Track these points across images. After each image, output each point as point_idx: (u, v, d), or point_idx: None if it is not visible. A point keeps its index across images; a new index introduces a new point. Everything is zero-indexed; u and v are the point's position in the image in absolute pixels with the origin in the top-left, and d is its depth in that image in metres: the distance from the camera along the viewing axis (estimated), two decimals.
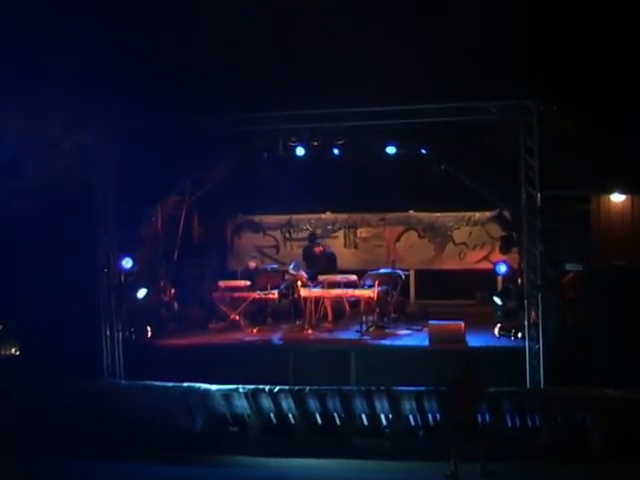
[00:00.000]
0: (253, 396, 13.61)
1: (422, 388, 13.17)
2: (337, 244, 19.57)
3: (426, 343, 14.87)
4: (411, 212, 19.62)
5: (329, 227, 20.11)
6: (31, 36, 13.61)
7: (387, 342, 15.40)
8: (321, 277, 16.42)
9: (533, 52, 13.37)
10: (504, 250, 16.02)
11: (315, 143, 15.80)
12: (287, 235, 20.36)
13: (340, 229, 20.09)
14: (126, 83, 13.87)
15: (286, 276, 17.57)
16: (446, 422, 12.67)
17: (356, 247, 20.03)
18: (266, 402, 13.66)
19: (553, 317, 13.94)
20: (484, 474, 11.96)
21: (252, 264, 17.83)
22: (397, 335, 15.90)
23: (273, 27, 14.20)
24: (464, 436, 11.94)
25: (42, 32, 13.60)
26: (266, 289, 16.82)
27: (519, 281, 14.91)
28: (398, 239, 19.76)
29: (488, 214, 18.36)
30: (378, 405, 13.35)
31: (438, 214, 19.42)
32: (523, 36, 13.38)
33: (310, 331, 16.10)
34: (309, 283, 16.61)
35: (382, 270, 17.01)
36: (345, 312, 16.91)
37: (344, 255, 19.20)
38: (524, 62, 13.38)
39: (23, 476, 12.67)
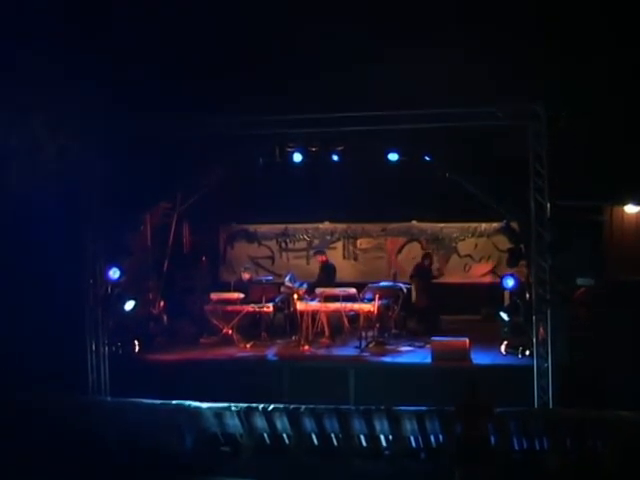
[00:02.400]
0: (246, 415, 13.52)
1: (424, 408, 13.08)
2: (336, 255, 19.57)
3: (429, 360, 14.82)
4: (414, 222, 19.65)
5: (327, 237, 20.15)
6: (14, 34, 13.54)
7: (387, 359, 15.36)
8: (318, 290, 16.37)
9: (543, 54, 13.31)
10: (511, 263, 15.97)
11: (313, 149, 15.83)
12: (283, 245, 20.40)
13: (339, 240, 20.14)
14: (115, 84, 13.81)
15: (282, 289, 17.51)
16: (449, 444, 12.57)
17: (356, 259, 20.06)
18: (260, 421, 13.56)
19: (563, 334, 13.86)
20: None
21: (246, 276, 17.81)
22: (398, 352, 15.85)
23: (270, 27, 14.15)
24: (468, 459, 11.83)
25: (26, 31, 13.54)
26: (260, 302, 16.73)
27: (527, 296, 14.84)
28: (400, 251, 19.79)
29: (495, 225, 18.40)
30: (378, 425, 13.25)
31: (442, 225, 19.44)
32: (532, 37, 13.33)
33: (306, 347, 16.03)
34: (306, 296, 16.54)
35: (383, 283, 17.00)
36: (343, 327, 16.82)
37: (343, 267, 19.20)
38: (533, 64, 13.32)
39: None
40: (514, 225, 15.80)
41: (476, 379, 12.38)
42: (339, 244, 20.09)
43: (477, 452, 11.76)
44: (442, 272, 19.05)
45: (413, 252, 19.63)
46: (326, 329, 16.68)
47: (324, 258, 17.94)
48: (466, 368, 14.20)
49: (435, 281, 18.12)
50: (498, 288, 17.15)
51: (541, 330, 13.64)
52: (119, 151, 14.51)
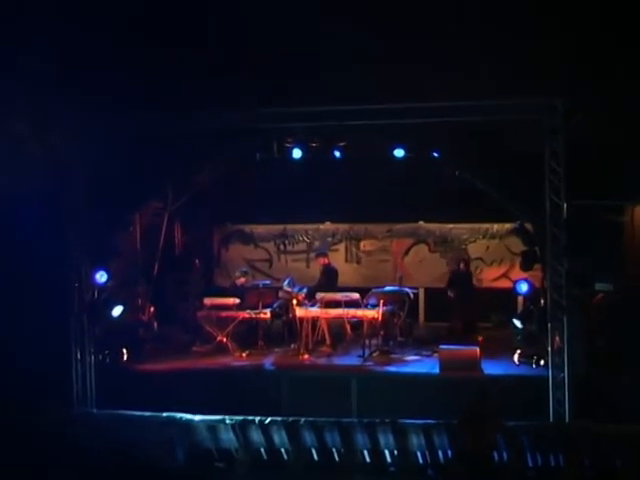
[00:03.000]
0: (241, 428, 13.57)
1: (432, 421, 13.13)
2: (337, 258, 19.60)
3: (436, 370, 14.86)
4: (421, 223, 19.69)
5: (329, 239, 20.18)
6: None
7: (393, 369, 15.40)
8: (319, 295, 16.42)
9: (560, 43, 13.36)
10: (525, 267, 16.02)
11: (314, 144, 15.83)
12: (281, 247, 20.44)
13: (341, 241, 20.17)
14: (101, 76, 13.88)
15: (280, 294, 17.59)
16: (458, 460, 12.60)
17: (359, 262, 20.10)
18: (256, 435, 13.62)
19: (580, 343, 13.88)
20: None
21: (241, 280, 17.87)
22: (404, 361, 15.91)
23: (266, 17, 14.22)
24: (478, 476, 11.88)
25: (8, 24, 13.61)
26: (257, 308, 16.80)
27: (542, 302, 14.88)
28: (406, 253, 19.83)
29: (508, 226, 18.44)
30: (382, 440, 13.31)
31: (451, 225, 19.48)
32: (548, 25, 13.38)
33: (306, 356, 16.07)
34: (305, 302, 16.60)
35: (388, 288, 16.99)
36: (346, 335, 16.87)
37: (345, 271, 19.23)
38: (549, 54, 13.37)
39: None
40: (528, 226, 15.86)
41: (487, 389, 12.46)
42: (341, 246, 20.12)
43: (485, 468, 11.82)
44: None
45: (420, 255, 19.71)
46: (327, 337, 16.70)
47: (326, 261, 17.98)
48: (476, 379, 14.23)
49: (443, 286, 18.14)
50: (511, 293, 17.24)
51: (557, 338, 13.67)
52: (107, 148, 14.56)
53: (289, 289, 17.02)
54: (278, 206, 18.69)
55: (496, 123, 13.68)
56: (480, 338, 16.16)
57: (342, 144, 15.93)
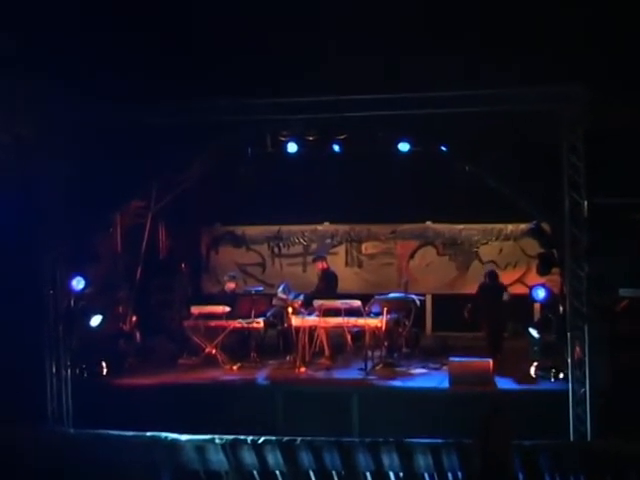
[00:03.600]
0: (232, 448, 13.49)
1: (440, 440, 13.04)
2: (337, 262, 19.64)
3: (446, 385, 14.84)
4: (428, 223, 19.74)
5: (327, 241, 20.24)
6: None
7: (397, 383, 15.40)
8: (317, 302, 16.38)
9: (581, 25, 13.32)
10: (542, 271, 15.97)
11: (311, 137, 15.79)
12: (275, 250, 20.49)
13: (341, 243, 20.23)
14: (77, 63, 13.83)
15: (274, 301, 17.57)
16: None
17: (360, 266, 20.14)
18: (248, 456, 13.53)
19: (603, 354, 13.87)
20: None
21: (232, 286, 17.90)
22: (410, 375, 15.92)
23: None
24: None
25: None
26: (249, 317, 16.80)
27: (561, 309, 14.87)
28: (412, 256, 19.87)
29: (523, 226, 18.40)
30: (386, 461, 13.21)
31: (461, 226, 19.53)
32: (572, 10, 13.34)
33: (303, 369, 16.07)
34: (302, 310, 16.56)
35: (392, 295, 17.05)
36: (346, 346, 16.88)
37: (346, 276, 19.28)
38: (569, 38, 13.33)
39: None
40: (545, 226, 15.82)
41: (500, 405, 12.40)
42: (341, 249, 20.16)
43: None
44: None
45: (427, 258, 19.75)
46: (326, 348, 16.72)
47: (324, 265, 17.90)
48: (489, 394, 14.19)
49: (453, 292, 18.13)
50: (527, 300, 17.21)
51: (577, 349, 13.64)
52: (83, 140, 14.52)
53: (284, 296, 17.04)
54: (272, 205, 18.70)
55: (510, 114, 13.58)
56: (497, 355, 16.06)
57: (342, 137, 15.89)
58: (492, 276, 17.53)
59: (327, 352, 16.72)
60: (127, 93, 14.01)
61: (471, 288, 18.97)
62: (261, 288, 18.69)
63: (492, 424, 11.83)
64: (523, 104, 13.46)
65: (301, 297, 17.05)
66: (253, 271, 20.41)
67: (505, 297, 17.19)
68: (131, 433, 13.75)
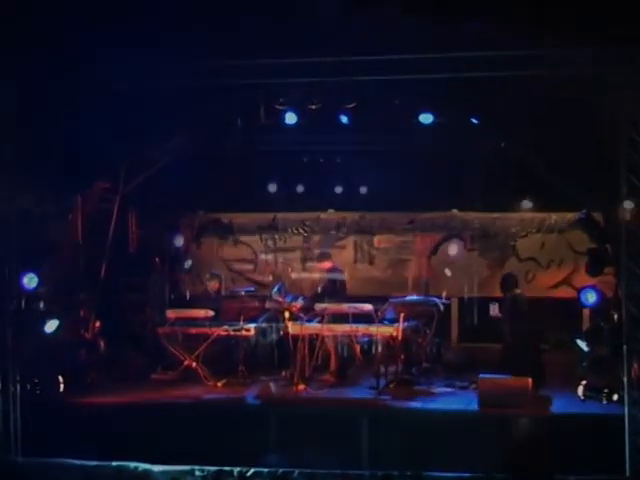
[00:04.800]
0: None
1: (467, 474, 13.09)
2: (344, 258, 19.69)
3: (475, 407, 14.76)
4: (454, 212, 19.73)
5: (332, 232, 20.21)
6: None
7: (416, 405, 15.30)
8: (319, 306, 16.37)
9: None
10: (593, 270, 15.99)
11: (313, 107, 15.74)
12: (270, 243, 20.55)
13: (348, 235, 20.21)
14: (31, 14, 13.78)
15: (267, 304, 17.61)
16: None
17: (372, 263, 20.21)
18: None
19: None
20: None
21: (216, 285, 17.95)
22: (431, 394, 15.91)
23: None
24: None
25: None
26: (237, 323, 16.72)
27: (615, 317, 14.82)
28: (434, 252, 19.86)
29: (570, 217, 18.44)
30: None
31: (495, 215, 19.59)
32: None
33: (302, 386, 16.06)
34: (301, 315, 16.52)
35: (410, 298, 17.08)
36: (355, 359, 16.86)
37: (355, 275, 19.49)
38: None
39: None
40: (597, 217, 15.80)
41: (538, 433, 12.39)
42: (349, 242, 20.27)
43: None
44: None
45: (453, 254, 19.68)
46: (330, 361, 16.76)
47: (329, 265, 17.82)
48: (527, 418, 14.13)
49: (483, 295, 18.09)
50: (574, 305, 17.21)
51: (635, 366, 13.58)
52: (39, 110, 14.41)
53: (279, 298, 17.09)
54: (266, 189, 18.64)
55: (556, 80, 13.52)
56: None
57: (350, 106, 15.80)
58: (509, 283, 17.14)
59: (332, 366, 16.77)
60: (97, 50, 13.91)
61: None
62: (252, 289, 18.84)
63: (529, 457, 11.86)
64: (571, 68, 13.34)
65: (300, 300, 17.05)
66: (242, 268, 20.46)
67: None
68: (93, 463, 13.85)
